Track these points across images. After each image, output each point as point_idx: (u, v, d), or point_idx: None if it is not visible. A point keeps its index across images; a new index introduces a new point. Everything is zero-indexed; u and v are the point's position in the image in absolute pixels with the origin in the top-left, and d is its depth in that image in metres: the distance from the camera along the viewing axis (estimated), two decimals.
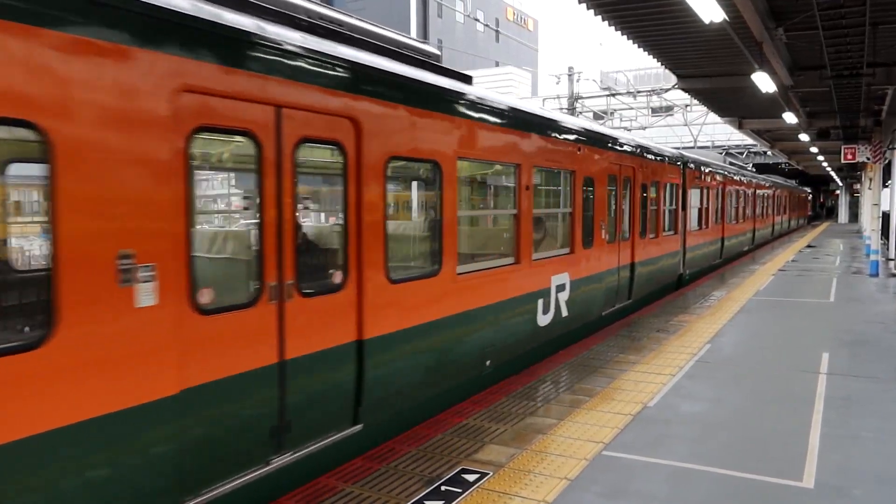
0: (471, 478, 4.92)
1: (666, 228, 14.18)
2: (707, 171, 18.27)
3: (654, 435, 5.81)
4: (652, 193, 13.02)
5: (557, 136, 8.75)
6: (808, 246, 29.31)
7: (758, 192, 28.69)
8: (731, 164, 25.36)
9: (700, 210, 17.67)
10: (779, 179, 39.89)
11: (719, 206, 20.16)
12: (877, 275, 17.68)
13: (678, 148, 22.45)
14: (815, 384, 7.38)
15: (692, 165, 16.44)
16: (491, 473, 5.00)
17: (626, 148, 11.46)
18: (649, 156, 12.83)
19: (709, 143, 38.18)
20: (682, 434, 5.84)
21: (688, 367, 8.06)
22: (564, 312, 8.95)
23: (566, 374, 7.76)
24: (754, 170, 35.88)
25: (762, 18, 10.43)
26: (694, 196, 17.00)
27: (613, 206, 10.99)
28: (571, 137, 9.19)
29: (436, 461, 5.25)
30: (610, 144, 10.71)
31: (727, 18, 8.97)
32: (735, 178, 22.81)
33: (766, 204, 31.59)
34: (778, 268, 19.77)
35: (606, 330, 10.48)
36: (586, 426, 6.01)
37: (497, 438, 5.72)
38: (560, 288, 8.82)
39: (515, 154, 7.69)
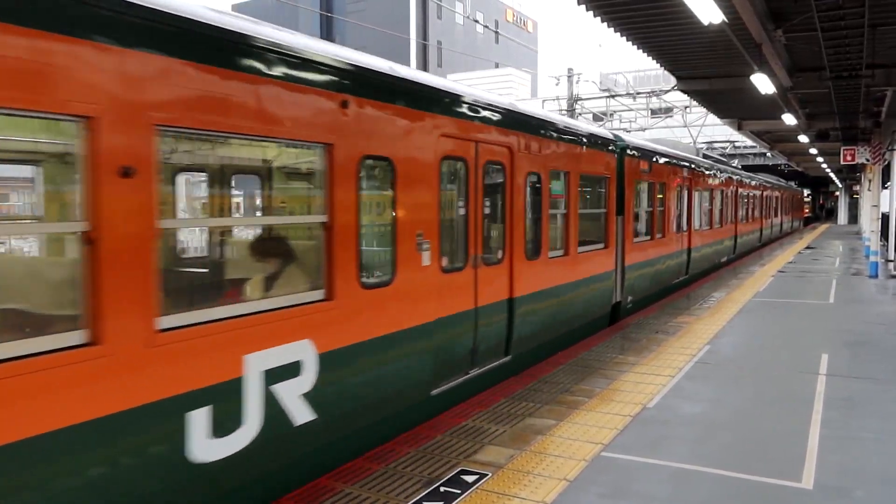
0: (470, 479, 4.92)
1: (589, 241, 10.32)
2: (662, 162, 13.95)
3: (654, 436, 5.81)
4: (555, 190, 9.10)
5: (261, 68, 4.53)
6: (808, 247, 29.33)
7: (741, 191, 24.32)
8: (704, 156, 20.67)
9: (652, 214, 13.49)
10: (770, 178, 36.10)
11: (684, 208, 15.90)
12: (876, 276, 17.69)
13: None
14: (814, 385, 7.38)
15: (635, 153, 12.15)
16: (490, 474, 4.99)
17: (486, 115, 7.23)
18: (544, 132, 8.59)
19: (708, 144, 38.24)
20: (682, 435, 5.84)
21: (687, 368, 8.06)
22: (300, 419, 4.82)
23: (565, 375, 7.75)
24: (739, 165, 31.76)
25: (761, 20, 10.44)
26: (640, 195, 13.03)
27: (462, 211, 7.02)
28: (317, 78, 4.99)
29: (435, 462, 5.25)
30: (441, 105, 6.47)
31: (726, 20, 8.98)
32: (708, 173, 18.69)
33: (752, 205, 27.04)
34: (777, 269, 19.78)
35: (603, 333, 10.47)
36: (585, 427, 6.01)
37: (496, 439, 5.72)
38: (281, 373, 4.67)
39: (79, 95, 3.49)
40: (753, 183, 27.50)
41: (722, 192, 20.62)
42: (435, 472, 5.06)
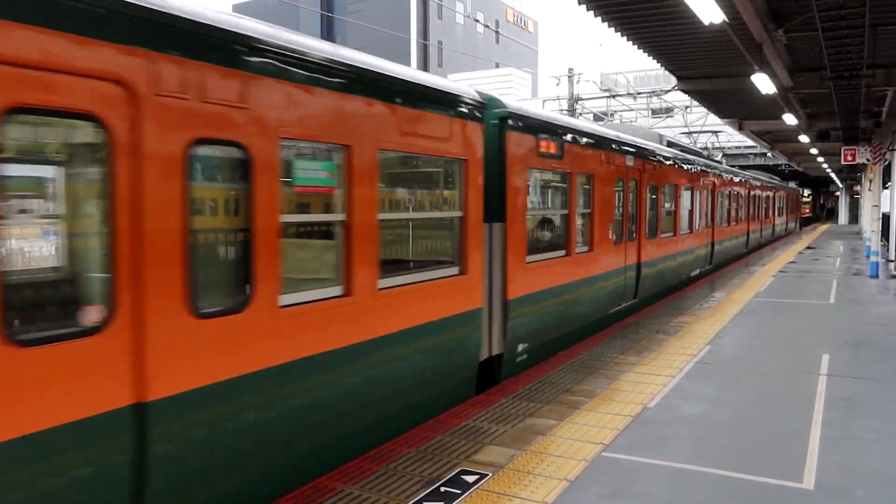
0: (470, 479, 4.92)
1: (420, 264, 6.87)
2: (585, 144, 9.80)
3: (654, 436, 5.80)
4: (306, 176, 5.35)
5: None
6: (808, 248, 29.32)
7: (722, 189, 20.28)
8: (670, 145, 16.54)
9: (568, 219, 9.38)
10: (760, 174, 31.93)
11: (631, 210, 12.02)
12: (877, 276, 17.69)
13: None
14: (815, 385, 7.37)
15: (527, 127, 8.15)
16: (490, 474, 4.99)
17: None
18: (266, 61, 4.62)
19: (708, 144, 38.20)
20: (683, 435, 5.84)
21: (688, 368, 8.06)
22: None
23: (566, 376, 7.75)
24: (721, 159, 27.81)
25: (762, 20, 10.44)
26: (541, 191, 9.76)
27: None
28: None
29: (435, 462, 5.24)
30: None
31: (727, 20, 8.98)
32: (671, 165, 14.55)
33: (736, 206, 22.97)
34: (778, 269, 19.78)
35: (604, 332, 10.46)
36: (586, 427, 6.00)
37: (497, 439, 5.72)
38: None
39: None
40: (738, 179, 23.51)
41: (693, 189, 16.60)
42: (435, 472, 5.06)
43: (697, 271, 17.67)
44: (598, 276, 10.50)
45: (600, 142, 10.53)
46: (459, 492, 4.70)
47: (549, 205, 9.91)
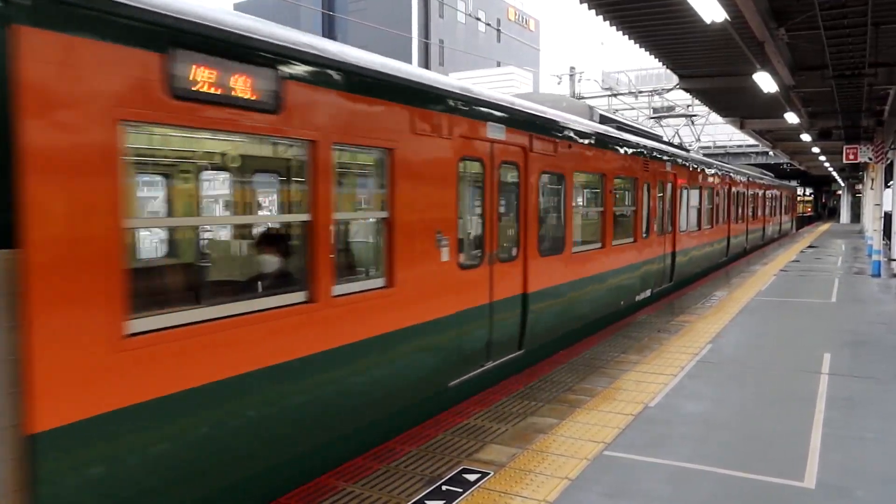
0: (471, 477, 4.92)
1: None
2: (359, 89, 5.20)
3: (656, 435, 5.81)
4: None
5: None
6: (810, 246, 29.30)
7: (686, 183, 15.94)
8: (604, 120, 11.87)
9: (308, 232, 4.87)
10: (747, 168, 27.85)
11: (503, 212, 7.78)
12: (879, 275, 17.67)
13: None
14: (816, 384, 7.37)
15: (131, 25, 3.53)
16: (492, 473, 5.00)
17: None
18: None
19: (710, 143, 38.14)
20: (684, 434, 5.84)
21: (689, 367, 8.05)
22: None
23: (567, 374, 7.75)
24: (698, 149, 23.41)
25: (763, 18, 10.41)
26: (242, 184, 6.46)
27: None
28: None
29: (437, 461, 5.25)
30: None
31: (728, 18, 8.96)
32: (586, 145, 9.75)
33: (710, 205, 18.68)
34: (779, 268, 19.76)
35: (607, 330, 10.46)
36: (587, 426, 6.01)
37: (498, 438, 5.72)
38: None
39: None
40: (713, 172, 18.98)
41: (637, 181, 12.30)
42: (437, 470, 5.06)
43: (648, 293, 13.16)
44: (411, 328, 5.98)
45: (406, 92, 5.86)
46: (461, 490, 4.70)
47: (250, 207, 5.87)
